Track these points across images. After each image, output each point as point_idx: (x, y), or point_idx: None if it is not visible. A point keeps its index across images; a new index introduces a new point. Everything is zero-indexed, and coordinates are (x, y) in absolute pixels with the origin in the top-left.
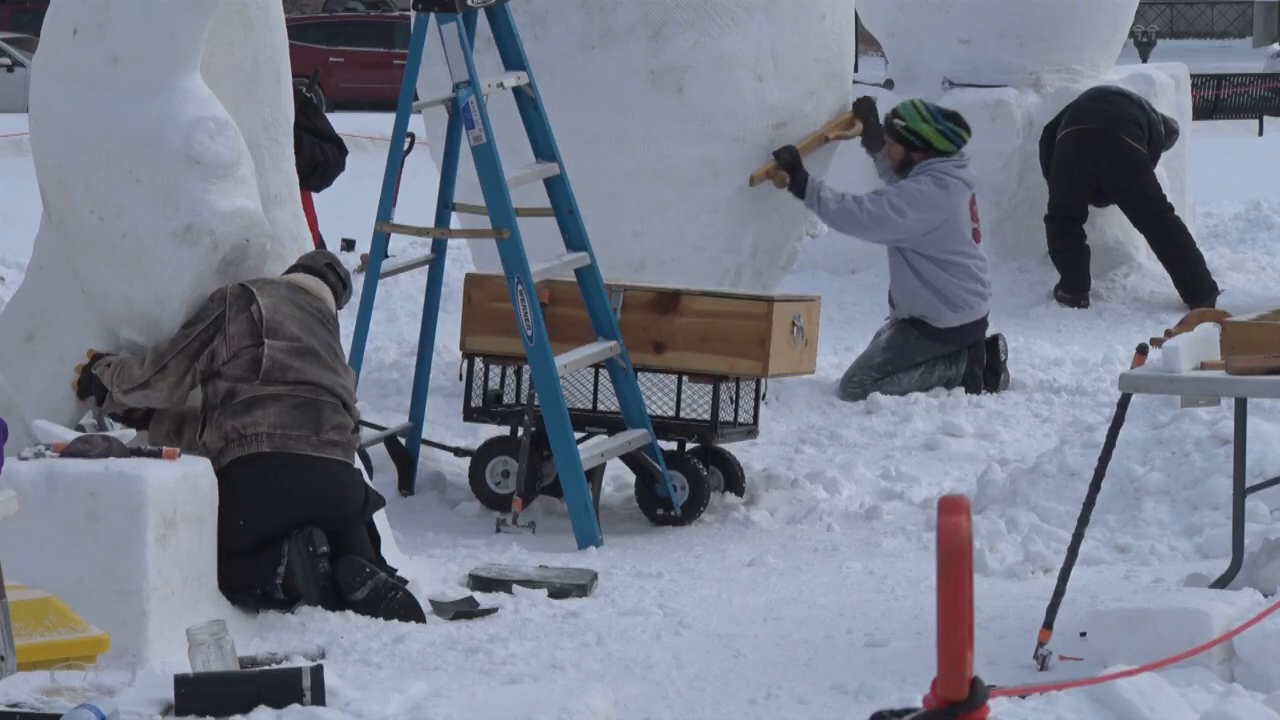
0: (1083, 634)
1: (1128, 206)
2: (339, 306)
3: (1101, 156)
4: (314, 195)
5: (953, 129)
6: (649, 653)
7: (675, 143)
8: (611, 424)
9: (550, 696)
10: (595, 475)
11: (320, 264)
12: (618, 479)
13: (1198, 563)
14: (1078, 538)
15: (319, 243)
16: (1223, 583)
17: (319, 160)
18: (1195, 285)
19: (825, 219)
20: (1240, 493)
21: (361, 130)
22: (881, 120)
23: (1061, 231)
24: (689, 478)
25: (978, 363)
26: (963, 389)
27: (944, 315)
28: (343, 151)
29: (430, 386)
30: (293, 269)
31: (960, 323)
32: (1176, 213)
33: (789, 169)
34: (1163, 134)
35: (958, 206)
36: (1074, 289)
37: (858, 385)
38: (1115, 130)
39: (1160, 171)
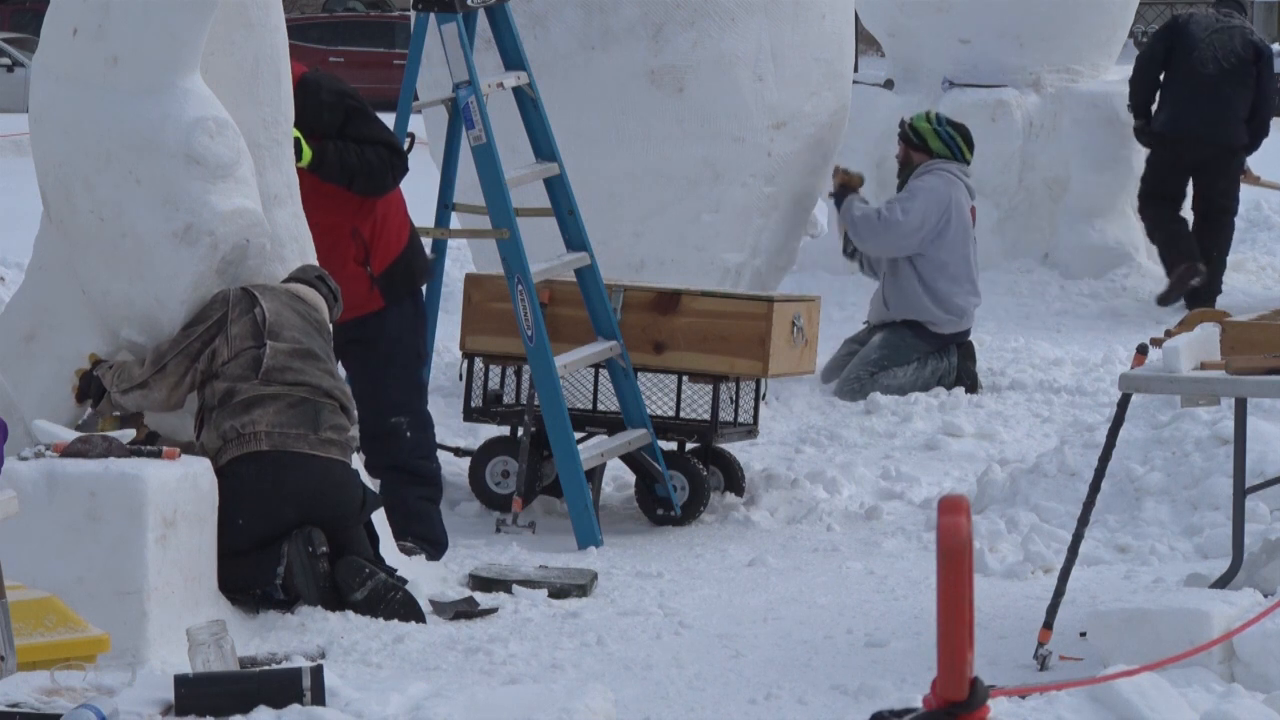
0: (1083, 634)
1: (1202, 197)
2: (330, 320)
3: (1202, 152)
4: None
5: (950, 134)
6: (649, 653)
7: (675, 143)
8: (611, 424)
9: (550, 696)
10: (595, 475)
11: (312, 277)
12: (618, 479)
13: (1198, 563)
14: (1078, 538)
15: (410, 233)
16: (1223, 583)
17: (355, 169)
18: (1208, 289)
19: (851, 228)
20: (1240, 493)
21: None
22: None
23: (1158, 214)
24: (689, 478)
25: (969, 357)
26: (962, 389)
27: (940, 322)
28: (395, 154)
29: (430, 386)
30: (286, 281)
31: (953, 330)
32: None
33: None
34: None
35: (961, 203)
36: (1184, 256)
37: (856, 383)
38: (1215, 138)
39: None
